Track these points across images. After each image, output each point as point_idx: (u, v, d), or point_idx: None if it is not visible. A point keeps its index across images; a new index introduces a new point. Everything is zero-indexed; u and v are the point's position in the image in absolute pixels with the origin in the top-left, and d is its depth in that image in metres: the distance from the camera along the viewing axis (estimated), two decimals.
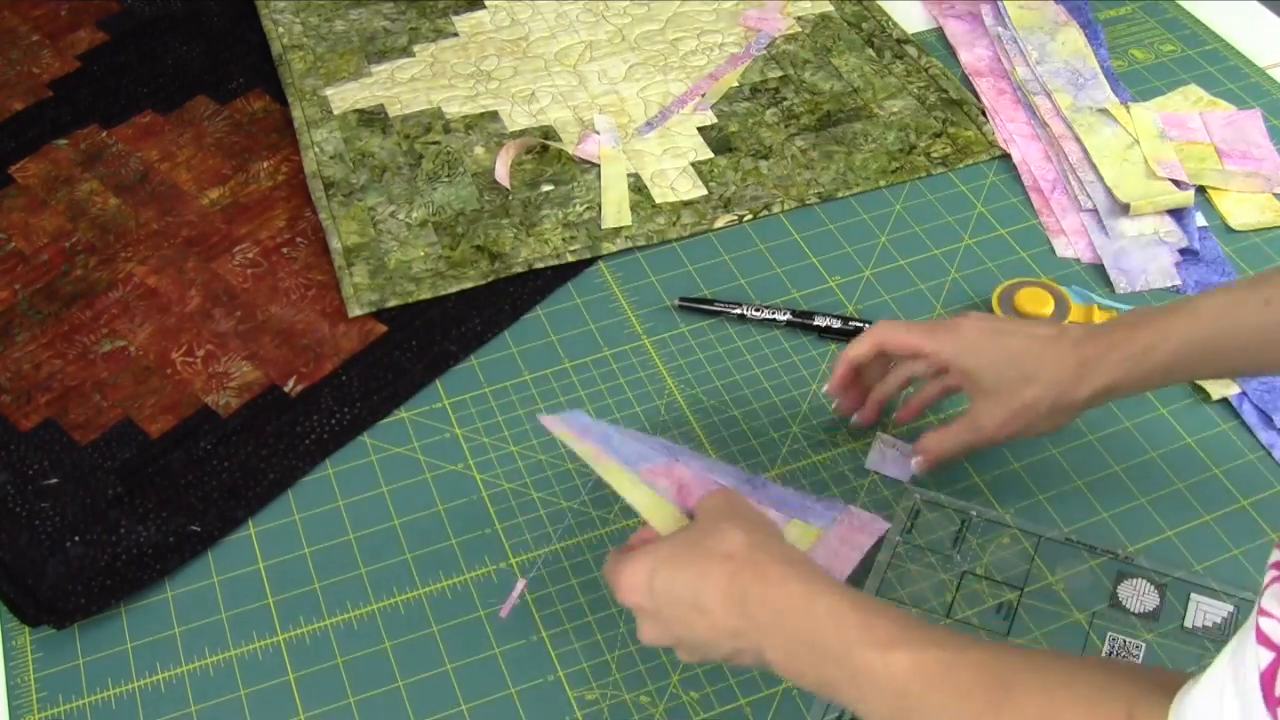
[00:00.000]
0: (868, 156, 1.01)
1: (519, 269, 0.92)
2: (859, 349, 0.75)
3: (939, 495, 0.78)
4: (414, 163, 1.00)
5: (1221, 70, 1.08)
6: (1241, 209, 0.96)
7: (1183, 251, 0.92)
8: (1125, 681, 0.50)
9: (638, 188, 0.98)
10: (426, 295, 0.90)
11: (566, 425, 0.70)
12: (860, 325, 0.87)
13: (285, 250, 0.94)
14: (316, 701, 0.70)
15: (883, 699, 0.54)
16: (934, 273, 0.92)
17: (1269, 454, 0.80)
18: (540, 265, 0.92)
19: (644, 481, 0.68)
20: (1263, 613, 0.40)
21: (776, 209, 0.97)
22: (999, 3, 1.14)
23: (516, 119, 1.04)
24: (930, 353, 0.73)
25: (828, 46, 1.11)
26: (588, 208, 0.97)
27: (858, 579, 0.73)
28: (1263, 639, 0.40)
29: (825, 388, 0.79)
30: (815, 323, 0.87)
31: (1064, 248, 0.94)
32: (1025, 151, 1.01)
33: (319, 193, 0.98)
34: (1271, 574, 0.40)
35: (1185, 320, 0.68)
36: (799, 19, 1.14)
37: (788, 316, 0.88)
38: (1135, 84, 1.07)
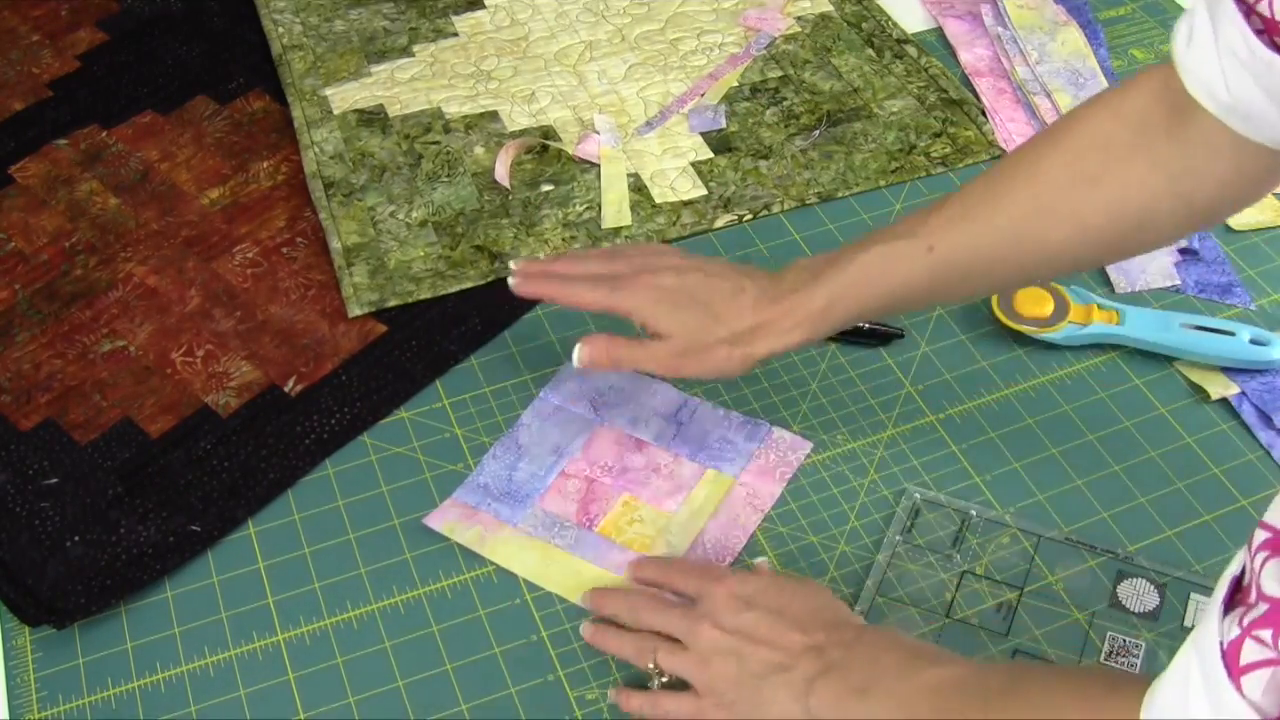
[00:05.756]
0: (867, 156, 1.01)
1: None
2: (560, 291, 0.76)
3: (939, 495, 0.78)
4: (414, 163, 1.00)
5: None
6: None
7: (1182, 251, 0.92)
8: (1121, 678, 0.56)
9: (638, 188, 0.98)
10: (426, 295, 0.90)
11: (454, 510, 0.77)
12: (859, 325, 0.86)
13: (285, 250, 0.94)
14: (316, 701, 0.70)
15: (921, 702, 0.59)
16: None
17: (1268, 454, 0.80)
18: None
19: (553, 490, 0.78)
20: (1259, 594, 0.40)
21: (776, 209, 0.97)
22: (999, 3, 1.14)
23: (516, 119, 1.04)
24: (620, 310, 0.74)
25: (827, 46, 1.11)
26: (588, 208, 0.97)
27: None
28: (1239, 618, 0.40)
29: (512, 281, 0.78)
30: None
31: None
32: None
33: (319, 193, 0.98)
34: (1263, 554, 0.40)
35: (854, 277, 0.71)
36: (799, 19, 1.14)
37: None
38: None
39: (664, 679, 0.66)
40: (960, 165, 1.00)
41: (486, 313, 0.89)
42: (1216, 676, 0.40)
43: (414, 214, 0.96)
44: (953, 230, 0.69)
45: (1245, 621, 0.39)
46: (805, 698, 0.62)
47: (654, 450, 0.80)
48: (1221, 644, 0.40)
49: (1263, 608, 0.39)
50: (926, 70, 1.08)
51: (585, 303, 0.76)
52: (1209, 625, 0.41)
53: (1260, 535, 0.41)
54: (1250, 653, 0.39)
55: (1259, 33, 0.55)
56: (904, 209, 0.97)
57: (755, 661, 0.63)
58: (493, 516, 0.77)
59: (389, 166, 1.00)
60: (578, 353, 0.75)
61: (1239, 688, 0.39)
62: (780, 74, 1.08)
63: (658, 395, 0.83)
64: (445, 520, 0.77)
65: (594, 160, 1.00)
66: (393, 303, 0.90)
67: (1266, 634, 0.38)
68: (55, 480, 0.80)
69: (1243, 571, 0.41)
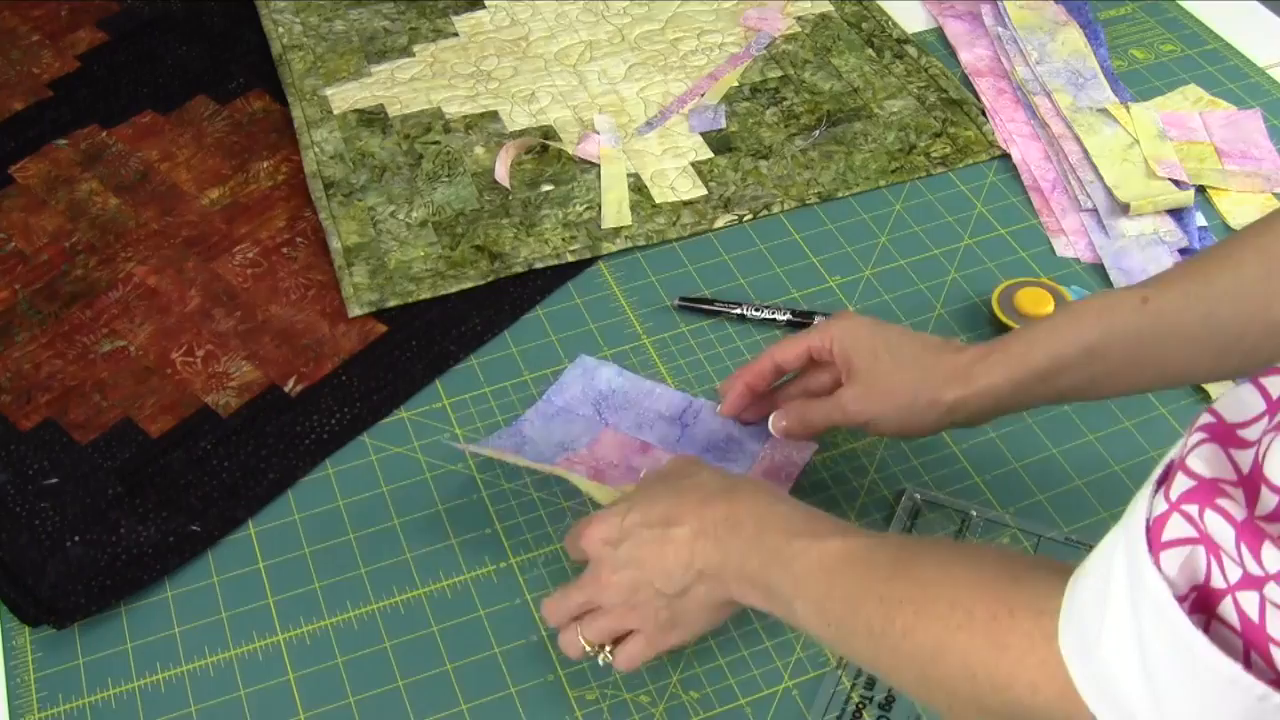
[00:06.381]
0: (868, 156, 1.01)
1: (519, 269, 0.92)
2: (753, 370, 0.77)
3: (939, 495, 0.78)
4: (414, 163, 1.00)
5: (1221, 70, 1.08)
6: (1241, 209, 0.96)
7: (1183, 251, 0.92)
8: (1021, 558, 0.55)
9: (638, 188, 0.98)
10: (426, 295, 0.90)
11: (486, 445, 0.79)
12: None
13: (285, 250, 0.94)
14: (316, 701, 0.70)
15: (815, 583, 0.58)
16: (934, 273, 0.92)
17: None
18: (540, 265, 0.92)
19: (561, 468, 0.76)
20: (1183, 468, 0.40)
21: (776, 209, 0.97)
22: (999, 3, 1.14)
23: (516, 119, 1.04)
24: (817, 345, 0.74)
25: (828, 46, 1.11)
26: (588, 208, 0.97)
27: None
28: (1165, 492, 0.40)
29: (719, 409, 0.80)
30: (815, 322, 0.87)
31: (1064, 247, 0.94)
32: (1025, 151, 1.01)
33: (319, 193, 0.98)
34: (1199, 436, 0.40)
35: (1062, 322, 0.67)
36: (799, 19, 1.14)
37: (788, 316, 0.88)
38: (1135, 84, 1.07)
39: (607, 649, 0.67)
40: (960, 165, 1.00)
41: (486, 313, 0.89)
42: (1138, 550, 0.40)
43: (414, 214, 0.96)
44: (1173, 287, 0.66)
45: (1173, 496, 0.39)
46: (717, 607, 0.64)
47: (659, 452, 0.80)
48: (1148, 520, 0.40)
49: (1190, 483, 0.39)
50: (926, 70, 1.08)
51: (789, 356, 0.75)
52: (1139, 504, 0.41)
53: (1204, 418, 0.41)
54: (1173, 529, 0.39)
55: None
56: (904, 209, 0.97)
57: (654, 583, 0.64)
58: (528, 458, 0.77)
59: (389, 166, 1.00)
60: (773, 424, 0.77)
61: (1157, 563, 0.39)
62: (780, 74, 1.08)
63: (662, 398, 0.83)
64: (482, 449, 0.77)
65: (594, 160, 1.00)
66: (393, 303, 0.90)
67: (1193, 509, 0.39)
68: (55, 480, 0.80)
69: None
